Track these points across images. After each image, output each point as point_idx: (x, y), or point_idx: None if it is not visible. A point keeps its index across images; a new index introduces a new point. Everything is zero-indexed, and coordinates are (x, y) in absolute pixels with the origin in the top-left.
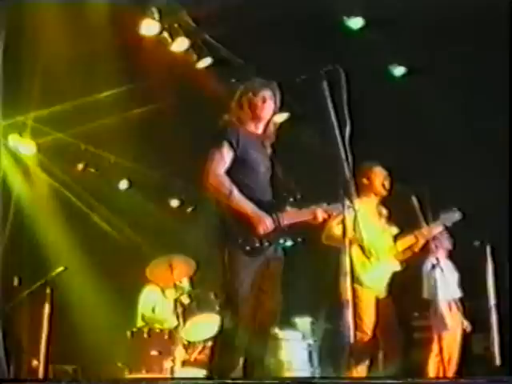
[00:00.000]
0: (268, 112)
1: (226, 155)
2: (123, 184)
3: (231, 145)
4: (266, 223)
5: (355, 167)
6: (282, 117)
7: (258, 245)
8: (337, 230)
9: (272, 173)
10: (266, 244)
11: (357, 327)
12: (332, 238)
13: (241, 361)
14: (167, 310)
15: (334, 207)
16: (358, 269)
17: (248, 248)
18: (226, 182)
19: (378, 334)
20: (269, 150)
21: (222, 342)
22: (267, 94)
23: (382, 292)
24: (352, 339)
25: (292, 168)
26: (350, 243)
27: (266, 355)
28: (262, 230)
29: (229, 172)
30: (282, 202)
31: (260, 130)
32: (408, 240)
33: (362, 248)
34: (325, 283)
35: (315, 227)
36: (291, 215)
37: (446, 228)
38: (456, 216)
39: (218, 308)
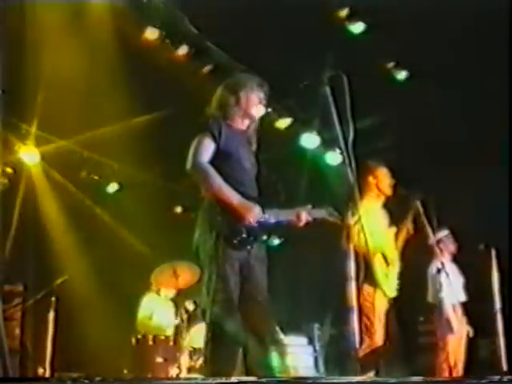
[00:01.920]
0: (260, 113)
1: (209, 146)
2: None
3: (213, 136)
4: (254, 211)
5: (360, 166)
6: None
7: (244, 236)
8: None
9: (257, 170)
10: (252, 238)
11: (369, 334)
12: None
13: (238, 363)
14: (168, 317)
15: (317, 211)
16: (379, 277)
17: (234, 239)
18: (210, 170)
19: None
20: (254, 147)
21: (211, 346)
22: (262, 95)
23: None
24: (357, 345)
25: (292, 171)
26: (355, 248)
27: (269, 361)
28: (250, 219)
29: (215, 164)
30: (268, 199)
31: (245, 127)
32: (403, 235)
33: (384, 257)
34: (332, 288)
35: (329, 232)
36: (276, 213)
37: (452, 232)
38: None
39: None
